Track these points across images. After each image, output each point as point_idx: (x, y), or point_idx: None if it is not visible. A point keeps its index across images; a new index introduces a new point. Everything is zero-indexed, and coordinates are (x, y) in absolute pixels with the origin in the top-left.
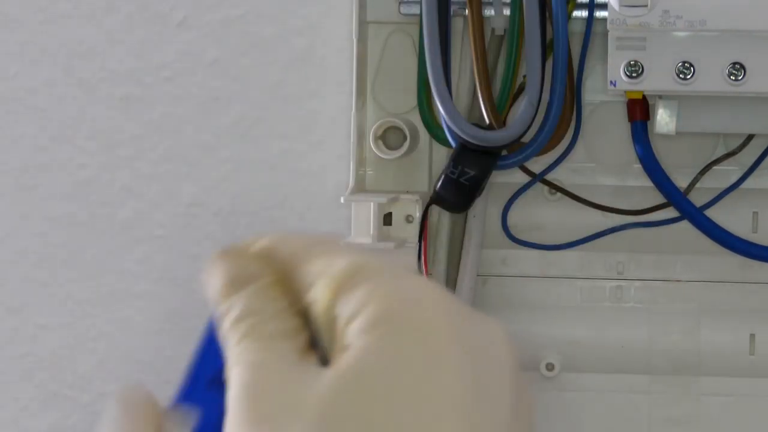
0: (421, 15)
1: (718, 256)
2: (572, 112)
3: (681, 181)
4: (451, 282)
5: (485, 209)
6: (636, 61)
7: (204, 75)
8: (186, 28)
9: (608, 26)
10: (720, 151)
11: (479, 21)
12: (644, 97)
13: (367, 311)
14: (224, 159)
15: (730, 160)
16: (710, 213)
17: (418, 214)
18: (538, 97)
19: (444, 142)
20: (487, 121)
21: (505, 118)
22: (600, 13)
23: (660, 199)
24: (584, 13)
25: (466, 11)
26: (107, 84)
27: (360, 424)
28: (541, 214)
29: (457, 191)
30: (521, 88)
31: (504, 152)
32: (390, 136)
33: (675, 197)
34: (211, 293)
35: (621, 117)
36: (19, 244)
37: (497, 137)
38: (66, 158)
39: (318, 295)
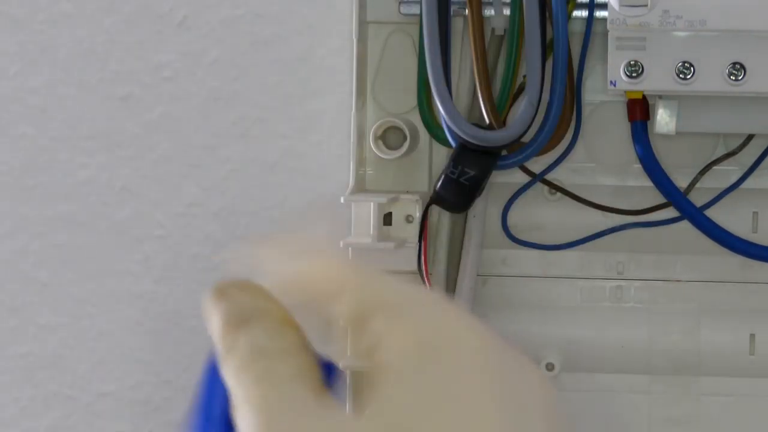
0: (421, 15)
1: (718, 256)
2: (572, 112)
3: (681, 181)
4: (451, 282)
5: (485, 209)
6: (636, 61)
7: (204, 75)
8: (186, 28)
9: (608, 26)
10: (720, 151)
11: (479, 21)
12: (644, 97)
13: (402, 342)
14: (224, 159)
15: (730, 160)
16: (710, 213)
17: (418, 214)
18: (538, 97)
19: (444, 142)
20: (487, 121)
21: (505, 118)
22: (600, 13)
23: (660, 199)
24: (584, 13)
25: (466, 11)
26: (107, 84)
27: None
28: (541, 214)
29: (457, 191)
30: (521, 88)
31: (504, 152)
32: (390, 136)
33: (675, 197)
34: (214, 329)
35: (621, 117)
36: (19, 244)
37: (497, 137)
38: (66, 158)
39: (353, 315)
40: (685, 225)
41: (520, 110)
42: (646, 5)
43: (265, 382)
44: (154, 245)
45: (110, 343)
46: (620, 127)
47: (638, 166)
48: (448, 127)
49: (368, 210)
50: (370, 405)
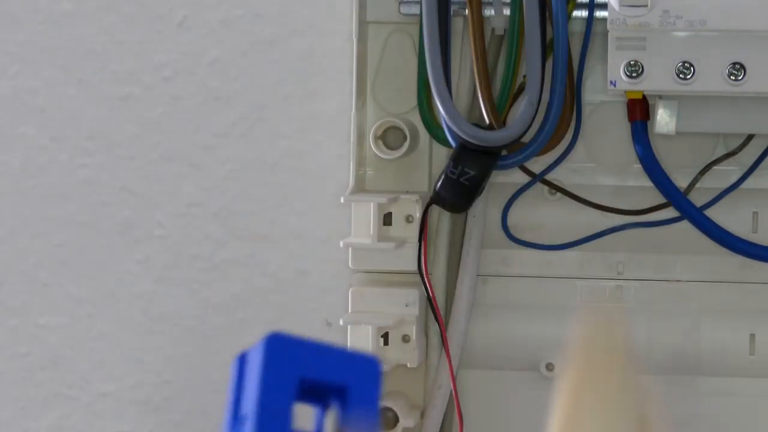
0: (421, 15)
1: (718, 256)
2: (572, 112)
3: (681, 181)
4: (451, 282)
5: (485, 209)
6: (636, 61)
7: (204, 75)
8: (186, 28)
9: (608, 26)
10: (720, 151)
11: (479, 21)
12: (644, 97)
13: None
14: (224, 159)
15: (730, 160)
16: (710, 213)
17: (418, 214)
18: (538, 97)
19: (444, 142)
20: (487, 121)
21: (505, 118)
22: (600, 13)
23: (660, 199)
24: (584, 13)
25: (466, 11)
26: (107, 84)
27: None
28: (541, 214)
29: (457, 191)
30: (521, 88)
31: (504, 152)
32: (390, 136)
33: (675, 197)
34: None
35: (621, 117)
36: (19, 244)
37: (497, 137)
38: (66, 158)
39: None
40: (685, 225)
41: (520, 110)
42: (646, 5)
43: None
44: (154, 245)
45: (110, 343)
46: (620, 127)
47: (638, 166)
48: (448, 127)
49: (368, 210)
50: None
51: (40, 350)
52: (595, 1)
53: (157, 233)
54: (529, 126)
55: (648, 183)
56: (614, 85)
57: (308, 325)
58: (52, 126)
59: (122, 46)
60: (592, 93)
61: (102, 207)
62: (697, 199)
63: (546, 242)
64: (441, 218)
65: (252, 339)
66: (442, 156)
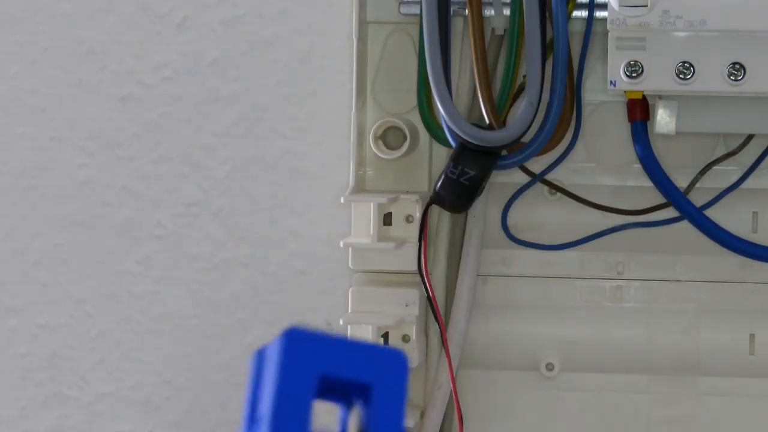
0: (421, 15)
1: (718, 256)
2: (572, 112)
3: (681, 181)
4: (451, 282)
5: (485, 209)
6: (636, 61)
7: (204, 75)
8: (186, 28)
9: (608, 26)
10: (720, 151)
11: (479, 21)
12: (644, 97)
13: None
14: (224, 159)
15: (730, 160)
16: (710, 213)
17: (418, 214)
18: (538, 97)
19: (444, 142)
20: (487, 121)
21: (505, 118)
22: (600, 13)
23: (660, 199)
24: (584, 13)
25: (466, 11)
26: (107, 84)
27: None
28: (541, 214)
29: (457, 191)
30: (521, 88)
31: (504, 152)
32: (390, 136)
33: (675, 197)
34: None
35: (621, 117)
36: (19, 244)
37: (497, 137)
38: (66, 158)
39: None
40: (685, 225)
41: (520, 110)
42: (646, 5)
43: None
44: (154, 245)
45: (110, 343)
46: (620, 127)
47: (638, 166)
48: (448, 127)
49: (368, 210)
50: None
51: (40, 350)
52: (595, 1)
53: (157, 233)
54: (529, 126)
55: (648, 183)
56: (614, 85)
57: (308, 325)
58: (52, 126)
59: (122, 46)
60: (592, 93)
61: (102, 207)
62: (697, 199)
63: (546, 242)
64: (441, 218)
65: (252, 339)
66: (442, 156)
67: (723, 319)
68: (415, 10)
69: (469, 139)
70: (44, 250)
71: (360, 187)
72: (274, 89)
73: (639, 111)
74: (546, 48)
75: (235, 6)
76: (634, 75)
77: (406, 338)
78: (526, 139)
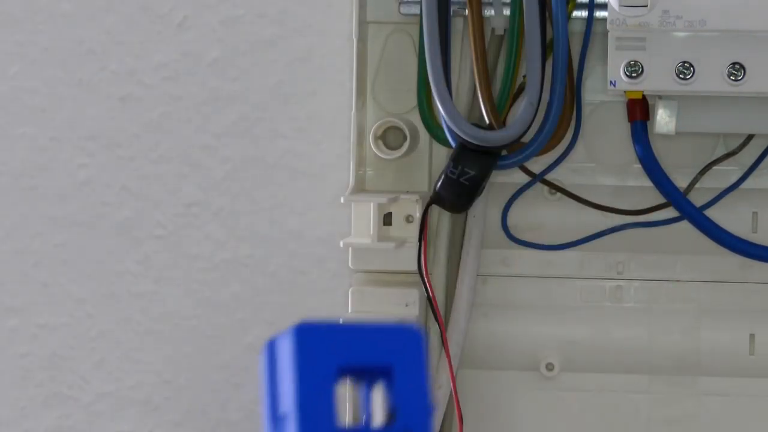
0: (421, 15)
1: (718, 256)
2: (572, 112)
3: (681, 181)
4: (451, 282)
5: (485, 209)
6: (636, 61)
7: (204, 75)
8: (186, 28)
9: (608, 26)
10: (720, 151)
11: (479, 21)
12: (644, 97)
13: None
14: (224, 159)
15: (730, 160)
16: (710, 213)
17: (418, 214)
18: (538, 97)
19: (444, 142)
20: (487, 121)
21: (505, 118)
22: (600, 13)
23: (660, 199)
24: (584, 13)
25: (466, 11)
26: (107, 84)
27: None
28: (541, 214)
29: (457, 191)
30: (521, 88)
31: (504, 152)
32: (390, 136)
33: (675, 197)
34: None
35: (621, 117)
36: (19, 244)
37: (497, 137)
38: (66, 158)
39: None
40: (685, 225)
41: (520, 110)
42: (646, 5)
43: None
44: (154, 245)
45: (110, 343)
46: (620, 127)
47: (638, 166)
48: (448, 127)
49: (368, 210)
50: None
51: (40, 350)
52: (595, 1)
53: (157, 233)
54: (529, 126)
55: (648, 183)
56: (614, 85)
57: (315, 317)
58: (52, 126)
59: (122, 46)
60: (592, 93)
61: (102, 207)
62: (697, 199)
63: (546, 242)
64: (441, 218)
65: (252, 339)
66: (442, 156)
67: (723, 319)
68: (415, 10)
69: (469, 139)
70: (44, 250)
71: (360, 187)
72: (274, 89)
73: (639, 111)
74: (546, 48)
75: (235, 6)
76: (634, 75)
77: None
78: (526, 139)
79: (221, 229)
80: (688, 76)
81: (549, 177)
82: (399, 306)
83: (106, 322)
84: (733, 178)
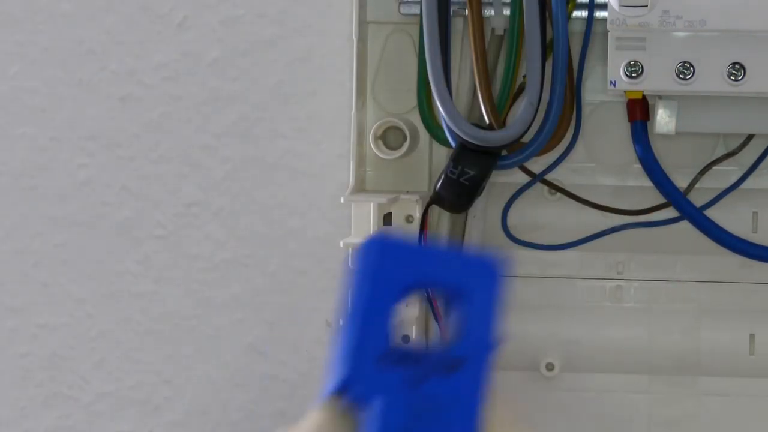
0: (421, 15)
1: (718, 256)
2: (572, 112)
3: (681, 181)
4: None
5: (485, 209)
6: (636, 61)
7: (204, 75)
8: (186, 28)
9: (608, 26)
10: (720, 151)
11: (479, 21)
12: (644, 97)
13: None
14: (224, 159)
15: (730, 160)
16: (710, 213)
17: (418, 214)
18: (538, 97)
19: (444, 142)
20: (487, 121)
21: (505, 118)
22: (600, 13)
23: (660, 199)
24: (584, 13)
25: (466, 11)
26: (107, 84)
27: None
28: (541, 214)
29: (457, 191)
30: (521, 88)
31: (504, 152)
32: (390, 136)
33: (675, 197)
34: None
35: (621, 117)
36: (19, 244)
37: (497, 137)
38: (66, 158)
39: None
40: (685, 225)
41: (520, 110)
42: (646, 5)
43: None
44: (154, 245)
45: (110, 343)
46: (620, 127)
47: (638, 166)
48: (448, 127)
49: (368, 210)
50: None
51: (40, 350)
52: (595, 1)
53: (157, 233)
54: (529, 126)
55: (648, 183)
56: (614, 85)
57: (308, 325)
58: (52, 126)
59: (122, 46)
60: (592, 93)
61: (102, 207)
62: (697, 199)
63: (546, 242)
64: (441, 218)
65: (252, 339)
66: (442, 156)
67: (723, 319)
68: (415, 10)
69: (469, 139)
70: (44, 250)
71: (360, 187)
72: (274, 89)
73: (639, 111)
74: (546, 48)
75: (235, 6)
76: (634, 75)
77: (406, 338)
78: (526, 139)
79: (221, 229)
80: (688, 76)
81: (549, 177)
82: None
83: (106, 322)
84: (733, 178)
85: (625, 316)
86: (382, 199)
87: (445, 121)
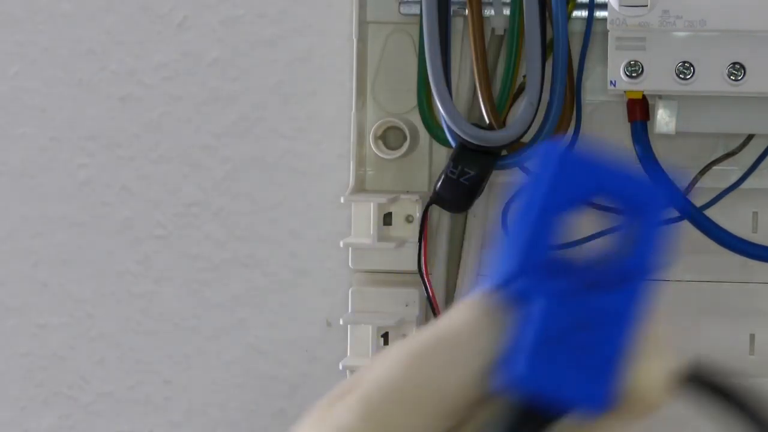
0: (421, 15)
1: (718, 256)
2: (572, 112)
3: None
4: (451, 282)
5: (485, 209)
6: (636, 61)
7: (204, 75)
8: (186, 28)
9: (608, 26)
10: (720, 151)
11: (479, 21)
12: (644, 97)
13: None
14: (224, 159)
15: (730, 160)
16: (710, 213)
17: (418, 214)
18: (538, 97)
19: (444, 142)
20: (487, 121)
21: (505, 118)
22: (600, 13)
23: None
24: (584, 13)
25: (466, 11)
26: (107, 84)
27: None
28: None
29: (457, 191)
30: (521, 88)
31: (504, 152)
32: (390, 136)
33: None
34: None
35: (621, 117)
36: (19, 244)
37: (497, 137)
38: (66, 158)
39: None
40: (685, 225)
41: (520, 110)
42: (646, 5)
43: None
44: (154, 245)
45: (110, 343)
46: (620, 127)
47: (638, 165)
48: (448, 127)
49: (368, 210)
50: None
51: (40, 350)
52: (595, 1)
53: (157, 233)
54: (529, 126)
55: None
56: (614, 85)
57: (308, 325)
58: (52, 126)
59: (122, 46)
60: (592, 93)
61: (102, 207)
62: (697, 199)
63: None
64: (441, 218)
65: (252, 339)
66: (442, 156)
67: (723, 319)
68: (415, 10)
69: (469, 139)
70: (44, 250)
71: (360, 187)
72: (274, 89)
73: (639, 111)
74: (546, 48)
75: (235, 6)
76: (634, 75)
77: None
78: (526, 139)
79: (221, 229)
80: (688, 76)
81: None
82: (399, 306)
83: (106, 322)
84: (733, 178)
85: None
86: (382, 199)
87: (445, 121)
